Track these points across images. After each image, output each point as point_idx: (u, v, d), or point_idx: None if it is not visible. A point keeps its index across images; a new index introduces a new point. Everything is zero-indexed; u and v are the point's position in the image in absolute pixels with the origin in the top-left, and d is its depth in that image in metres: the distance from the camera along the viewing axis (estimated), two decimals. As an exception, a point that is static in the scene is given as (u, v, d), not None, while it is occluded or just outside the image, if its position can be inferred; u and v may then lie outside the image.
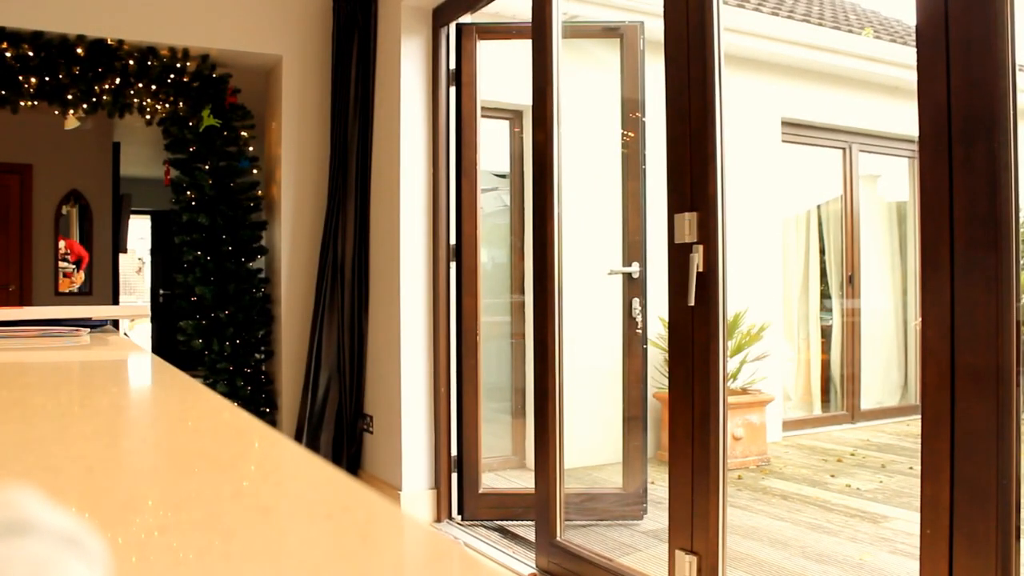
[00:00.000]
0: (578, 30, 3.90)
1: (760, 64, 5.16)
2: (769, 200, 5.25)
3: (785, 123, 5.37)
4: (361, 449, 3.88)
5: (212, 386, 4.01)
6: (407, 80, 3.55)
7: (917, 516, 1.62)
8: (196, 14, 3.89)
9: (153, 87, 4.01)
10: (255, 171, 4.30)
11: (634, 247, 3.33)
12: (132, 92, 4.01)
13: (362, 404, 3.87)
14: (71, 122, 4.42)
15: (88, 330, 1.63)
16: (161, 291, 9.10)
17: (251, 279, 4.22)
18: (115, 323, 2.37)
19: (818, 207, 6.11)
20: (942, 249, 1.55)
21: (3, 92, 3.81)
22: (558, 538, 2.74)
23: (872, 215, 6.21)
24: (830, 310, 6.06)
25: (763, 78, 5.21)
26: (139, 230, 10.89)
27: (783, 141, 5.39)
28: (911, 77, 1.65)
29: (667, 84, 2.24)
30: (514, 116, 4.41)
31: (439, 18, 3.55)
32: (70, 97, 3.93)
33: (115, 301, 7.24)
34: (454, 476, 3.48)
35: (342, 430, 3.84)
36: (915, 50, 1.62)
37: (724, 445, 2.09)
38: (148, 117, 4.25)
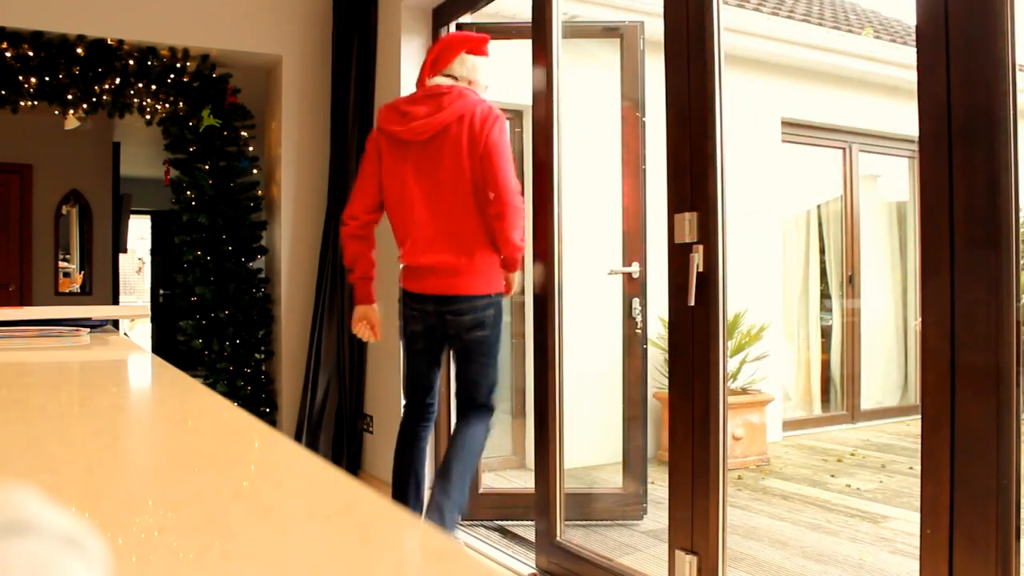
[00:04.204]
0: (578, 30, 3.90)
1: (760, 64, 5.16)
2: (769, 200, 5.25)
3: (785, 123, 5.37)
4: (361, 449, 3.88)
5: (212, 386, 4.02)
6: (407, 80, 3.55)
7: (917, 516, 1.62)
8: (196, 14, 3.89)
9: (153, 87, 4.01)
10: (255, 171, 4.30)
11: (634, 247, 3.33)
12: (132, 92, 4.01)
13: (362, 404, 3.87)
14: (71, 122, 4.42)
15: (88, 330, 1.63)
16: (161, 291, 9.10)
17: (251, 279, 4.22)
18: (115, 323, 2.37)
19: (818, 207, 6.11)
20: (942, 249, 1.55)
21: (3, 92, 3.81)
22: (558, 538, 2.74)
23: (872, 215, 6.21)
24: (830, 310, 6.06)
25: (763, 78, 5.21)
26: (139, 230, 10.89)
27: (783, 141, 5.39)
28: (911, 77, 1.65)
29: (667, 84, 2.24)
30: (514, 116, 4.41)
31: (439, 18, 3.55)
32: (70, 97, 3.93)
33: (115, 301, 7.24)
34: (454, 476, 3.47)
35: (342, 430, 3.84)
36: (915, 50, 1.62)
37: (724, 445, 2.09)
38: (148, 117, 4.25)
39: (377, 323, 2.87)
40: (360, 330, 2.88)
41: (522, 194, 2.66)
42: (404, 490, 2.82)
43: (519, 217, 2.58)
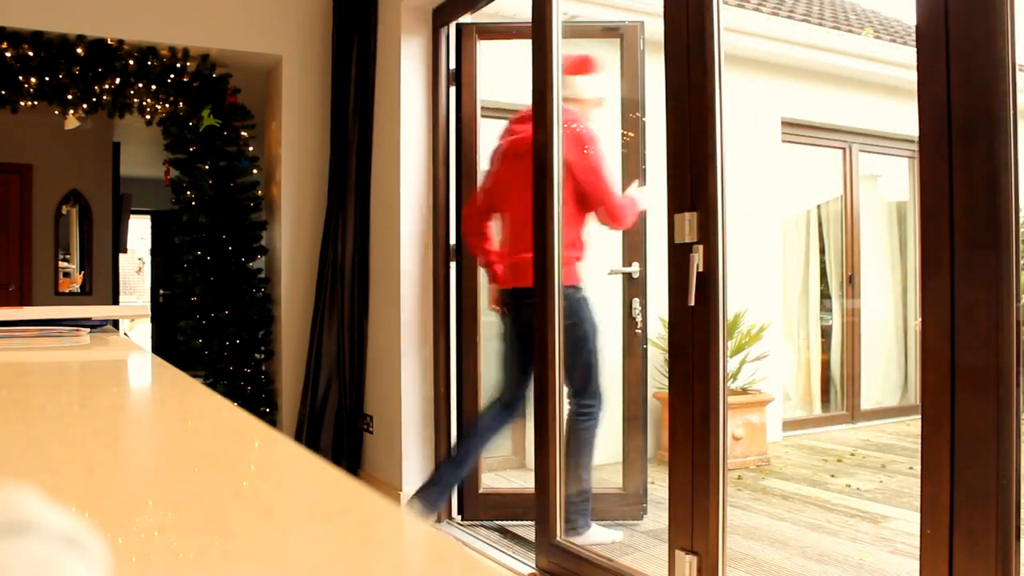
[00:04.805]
0: (578, 30, 3.90)
1: (760, 64, 5.16)
2: (769, 200, 5.25)
3: (785, 123, 5.37)
4: (361, 449, 3.88)
5: (212, 386, 4.02)
6: (407, 80, 3.55)
7: (917, 516, 1.62)
8: (196, 14, 3.89)
9: (153, 87, 4.01)
10: (255, 171, 4.30)
11: (634, 247, 3.32)
12: (132, 92, 4.01)
13: (362, 404, 3.87)
14: (71, 122, 4.42)
15: (88, 330, 1.63)
16: (161, 291, 9.10)
17: (251, 279, 4.22)
18: (115, 323, 2.37)
19: (818, 207, 6.10)
20: (942, 249, 1.55)
21: (3, 92, 3.81)
22: (558, 538, 2.74)
23: (872, 215, 6.21)
24: (830, 310, 6.05)
25: (763, 78, 5.21)
26: (139, 230, 10.89)
27: (783, 141, 5.39)
28: (911, 77, 1.65)
29: (667, 84, 2.24)
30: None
31: (439, 18, 3.55)
32: (70, 97, 3.93)
33: (115, 301, 7.24)
34: (454, 476, 3.47)
35: (342, 430, 3.84)
36: (915, 50, 1.62)
37: (724, 445, 2.09)
38: (148, 117, 4.25)
39: (495, 300, 3.24)
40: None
41: (621, 193, 3.03)
42: (445, 457, 3.15)
43: (625, 215, 2.98)
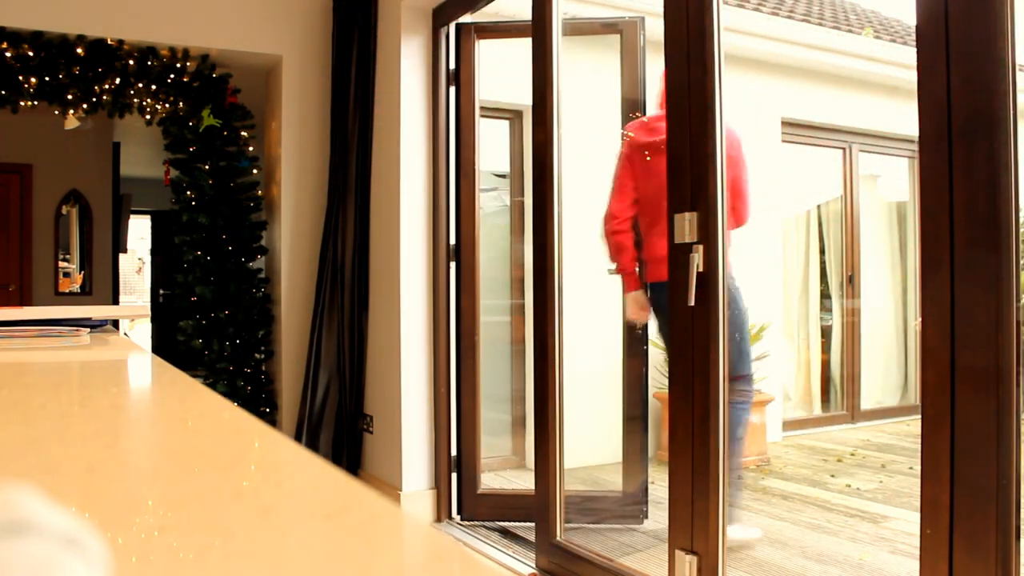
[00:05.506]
0: (578, 27, 3.89)
1: (760, 64, 5.16)
2: (769, 200, 5.25)
3: (785, 123, 5.37)
4: (361, 449, 3.88)
5: (212, 386, 4.01)
6: (407, 80, 3.55)
7: (917, 516, 1.62)
8: (196, 14, 3.89)
9: (153, 87, 4.01)
10: (255, 171, 4.30)
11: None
12: (132, 92, 4.01)
13: (362, 404, 3.87)
14: (71, 122, 4.42)
15: (88, 330, 1.63)
16: (161, 291, 9.10)
17: (251, 279, 4.22)
18: (115, 323, 2.37)
19: (818, 207, 6.10)
20: (942, 249, 1.55)
21: (3, 92, 3.81)
22: (558, 538, 2.74)
23: (872, 215, 6.21)
24: (830, 310, 6.05)
25: (763, 78, 5.20)
26: (139, 230, 10.89)
27: (783, 141, 5.39)
28: (911, 77, 1.65)
29: (667, 84, 2.24)
30: (514, 116, 4.41)
31: (439, 18, 3.55)
32: (70, 97, 3.93)
33: (115, 301, 7.23)
34: (454, 476, 3.48)
35: (342, 430, 3.84)
36: (915, 50, 1.62)
37: (724, 445, 2.09)
38: (148, 117, 4.25)
39: (643, 305, 3.22)
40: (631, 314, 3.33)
41: (743, 197, 3.15)
42: None
43: (745, 210, 3.13)
